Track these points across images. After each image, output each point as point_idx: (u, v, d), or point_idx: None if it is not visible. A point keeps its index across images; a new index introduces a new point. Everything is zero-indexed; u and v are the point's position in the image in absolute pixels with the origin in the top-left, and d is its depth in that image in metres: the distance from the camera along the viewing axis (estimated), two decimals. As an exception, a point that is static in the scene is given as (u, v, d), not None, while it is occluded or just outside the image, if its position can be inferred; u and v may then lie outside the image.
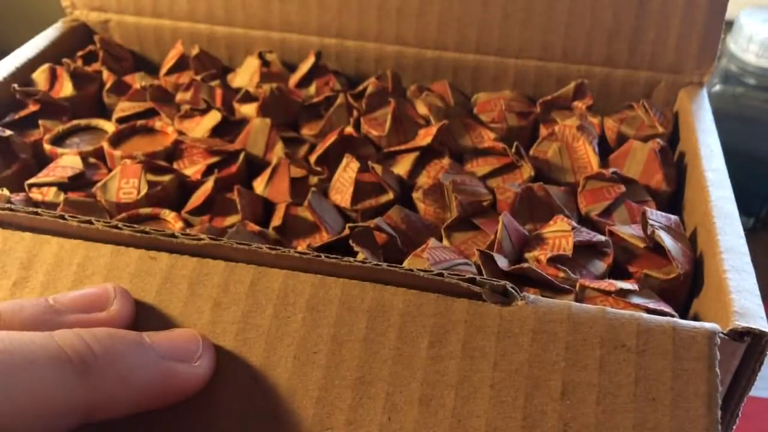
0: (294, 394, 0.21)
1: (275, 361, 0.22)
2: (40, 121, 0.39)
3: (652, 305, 0.26)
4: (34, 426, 0.17)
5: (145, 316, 0.23)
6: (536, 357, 0.21)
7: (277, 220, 0.31)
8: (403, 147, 0.36)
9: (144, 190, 0.33)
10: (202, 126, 0.38)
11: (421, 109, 0.40)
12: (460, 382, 0.21)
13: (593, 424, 0.20)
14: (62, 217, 0.24)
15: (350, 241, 0.29)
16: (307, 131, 0.39)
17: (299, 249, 0.30)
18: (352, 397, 0.21)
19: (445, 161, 0.35)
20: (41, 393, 0.17)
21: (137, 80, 0.43)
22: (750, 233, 0.54)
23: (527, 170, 0.35)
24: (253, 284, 0.23)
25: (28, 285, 0.24)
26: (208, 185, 0.33)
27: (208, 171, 0.35)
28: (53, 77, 0.42)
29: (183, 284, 0.23)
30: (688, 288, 0.29)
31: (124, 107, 0.40)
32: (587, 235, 0.29)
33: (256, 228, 0.30)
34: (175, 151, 0.36)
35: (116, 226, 0.24)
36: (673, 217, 0.31)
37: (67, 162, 0.35)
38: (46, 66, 0.42)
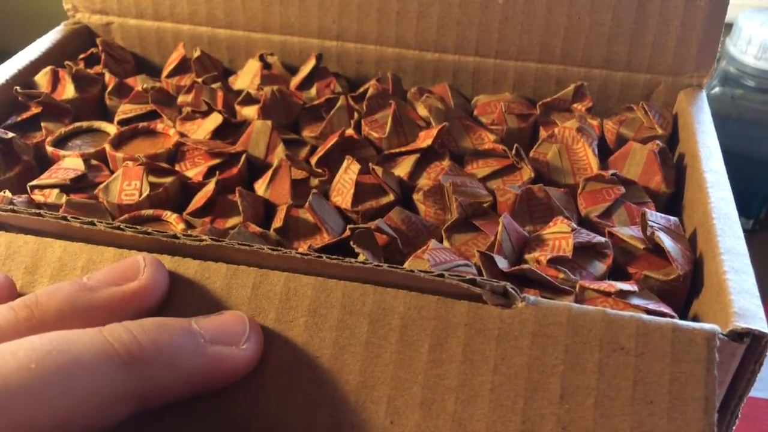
0: (294, 397, 0.21)
1: (276, 367, 0.22)
2: (42, 123, 0.39)
3: (651, 306, 0.26)
4: (90, 418, 0.18)
5: None
6: (536, 360, 0.21)
7: (278, 222, 0.32)
8: (403, 149, 0.37)
9: (146, 192, 0.33)
10: (203, 128, 0.38)
11: (422, 111, 0.40)
12: (460, 385, 0.21)
13: (591, 428, 0.20)
14: (65, 219, 0.24)
15: (351, 243, 0.29)
16: (308, 133, 0.39)
17: (300, 250, 0.30)
18: (354, 402, 0.21)
19: (446, 163, 0.36)
20: (93, 387, 0.18)
21: (139, 82, 0.43)
22: (749, 234, 0.54)
23: (527, 172, 0.35)
24: (255, 288, 0.23)
25: (34, 289, 0.24)
26: (210, 187, 0.33)
27: (210, 173, 0.35)
28: (55, 79, 0.42)
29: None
30: (687, 289, 0.29)
31: (125, 109, 0.40)
32: (587, 236, 0.30)
33: (258, 229, 0.30)
34: (176, 153, 0.37)
35: (118, 228, 0.24)
36: (673, 218, 0.31)
37: (69, 164, 0.35)
38: (48, 68, 0.42)
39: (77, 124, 0.39)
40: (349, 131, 0.37)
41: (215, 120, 0.38)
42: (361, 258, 0.28)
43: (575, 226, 0.30)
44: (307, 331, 0.22)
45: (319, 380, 0.21)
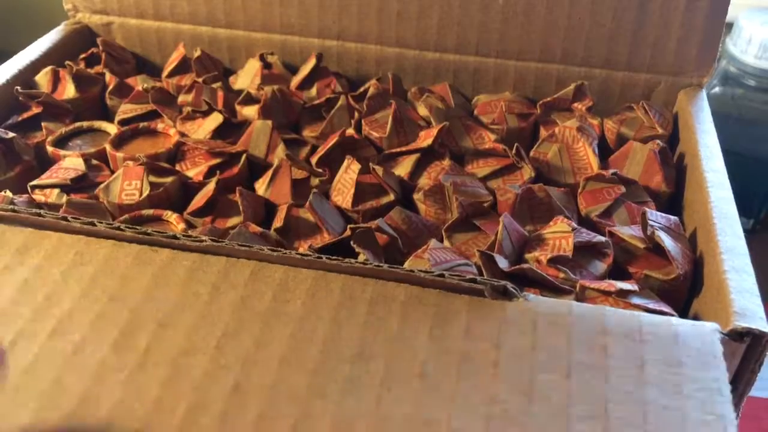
0: (289, 367, 0.21)
1: (270, 339, 0.21)
2: (43, 123, 0.39)
3: (652, 305, 0.26)
4: None
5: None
6: (537, 348, 0.21)
7: (278, 222, 0.32)
8: (404, 148, 0.37)
9: (146, 192, 0.33)
10: (203, 128, 0.38)
11: (422, 110, 0.40)
12: (461, 361, 0.21)
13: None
14: (65, 219, 0.24)
15: (351, 242, 0.29)
16: (308, 133, 0.39)
17: (300, 250, 0.30)
18: (349, 370, 0.21)
19: (446, 162, 0.36)
20: None
21: (139, 82, 0.43)
22: (749, 234, 0.54)
23: (527, 171, 0.35)
24: (253, 273, 0.23)
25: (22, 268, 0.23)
26: (210, 187, 0.33)
27: (210, 172, 0.35)
28: (56, 79, 0.42)
29: (181, 271, 0.23)
30: (687, 288, 0.29)
31: (126, 109, 0.40)
32: (587, 235, 0.30)
33: (258, 229, 0.30)
34: (177, 153, 0.37)
35: (118, 228, 0.24)
36: (673, 217, 0.31)
37: (70, 164, 0.35)
38: (48, 68, 0.42)
39: (78, 124, 0.39)
40: (350, 131, 0.37)
41: (216, 120, 0.38)
42: (361, 258, 0.28)
43: (575, 225, 0.30)
44: (304, 310, 0.22)
45: (312, 351, 0.21)
